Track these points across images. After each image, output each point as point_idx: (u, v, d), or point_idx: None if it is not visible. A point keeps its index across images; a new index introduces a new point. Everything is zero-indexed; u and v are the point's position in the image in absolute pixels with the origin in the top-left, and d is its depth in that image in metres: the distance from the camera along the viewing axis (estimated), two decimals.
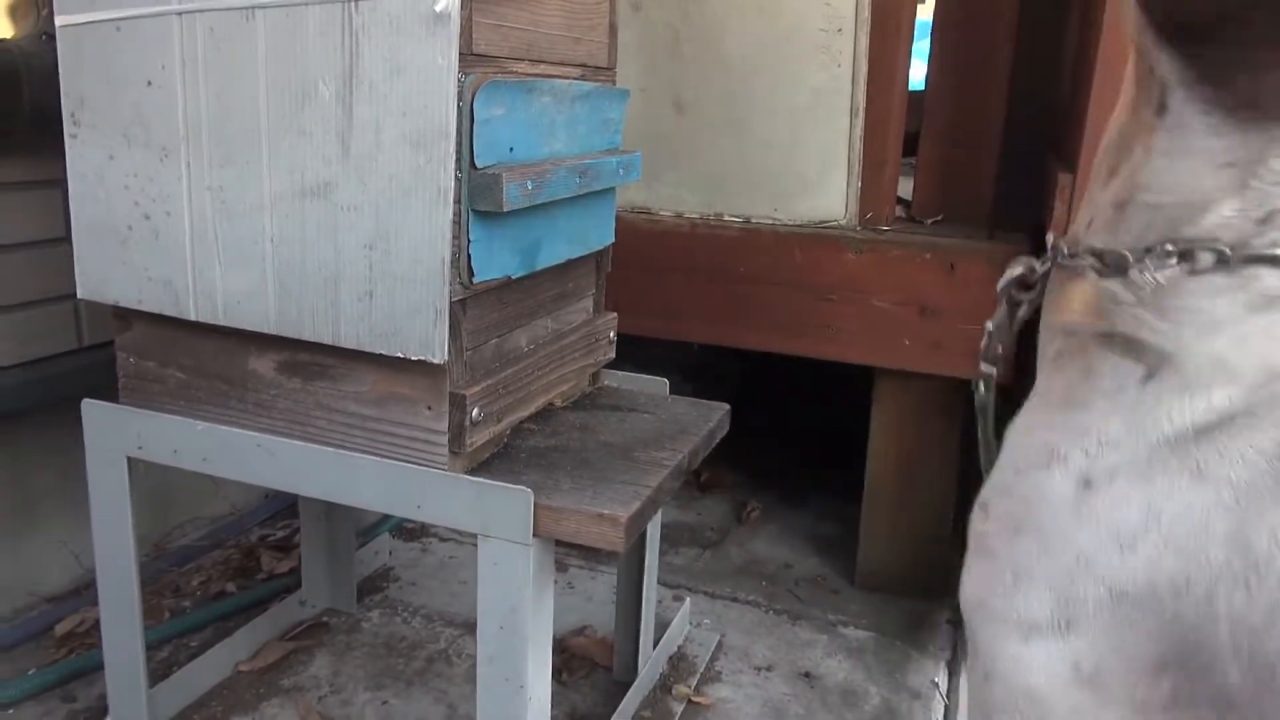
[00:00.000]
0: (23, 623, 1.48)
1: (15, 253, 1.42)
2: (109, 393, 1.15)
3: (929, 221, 1.73)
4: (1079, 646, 0.61)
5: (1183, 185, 0.61)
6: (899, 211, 1.76)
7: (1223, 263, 0.60)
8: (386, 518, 1.85)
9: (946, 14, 1.73)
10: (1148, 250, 0.61)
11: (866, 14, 1.49)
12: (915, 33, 1.64)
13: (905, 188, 1.80)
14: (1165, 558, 0.58)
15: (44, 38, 1.32)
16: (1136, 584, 0.59)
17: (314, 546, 1.57)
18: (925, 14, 1.83)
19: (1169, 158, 0.61)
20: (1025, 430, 0.69)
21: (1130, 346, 0.64)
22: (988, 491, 0.69)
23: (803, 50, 1.53)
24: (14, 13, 1.37)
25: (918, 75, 1.82)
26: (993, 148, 1.70)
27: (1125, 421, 0.62)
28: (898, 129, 1.58)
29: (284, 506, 1.91)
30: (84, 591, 1.57)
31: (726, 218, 1.69)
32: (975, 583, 0.68)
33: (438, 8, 0.85)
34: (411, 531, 1.90)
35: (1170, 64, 0.59)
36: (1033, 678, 0.64)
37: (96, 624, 1.46)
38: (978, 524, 0.69)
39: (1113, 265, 0.63)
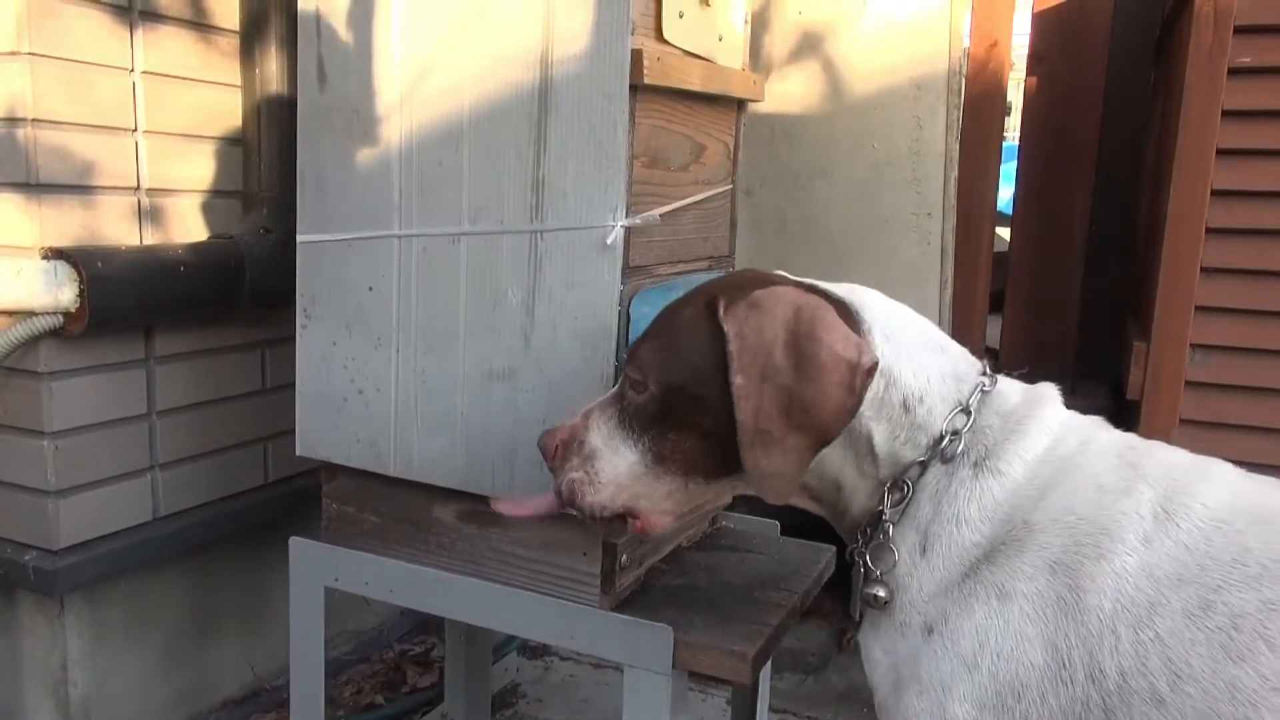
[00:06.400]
0: None
1: (227, 404, 1.68)
2: (288, 523, 1.36)
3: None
4: None
5: None
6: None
7: None
8: (514, 636, 2.02)
9: (1029, 183, 1.91)
10: None
11: (953, 201, 1.69)
12: (997, 205, 1.83)
13: (994, 333, 1.96)
14: (1000, 668, 0.75)
15: (261, 231, 1.61)
16: (988, 696, 0.76)
17: (455, 663, 1.74)
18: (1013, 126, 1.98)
19: None
20: None
21: None
22: None
23: (898, 230, 1.73)
24: (238, 211, 1.66)
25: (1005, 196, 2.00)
26: (1072, 307, 1.86)
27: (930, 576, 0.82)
28: (983, 298, 1.76)
29: (418, 622, 2.11)
30: (254, 699, 1.78)
31: None
32: None
33: (608, 240, 1.07)
34: (535, 650, 2.07)
35: None
36: None
37: None
38: None
39: None
